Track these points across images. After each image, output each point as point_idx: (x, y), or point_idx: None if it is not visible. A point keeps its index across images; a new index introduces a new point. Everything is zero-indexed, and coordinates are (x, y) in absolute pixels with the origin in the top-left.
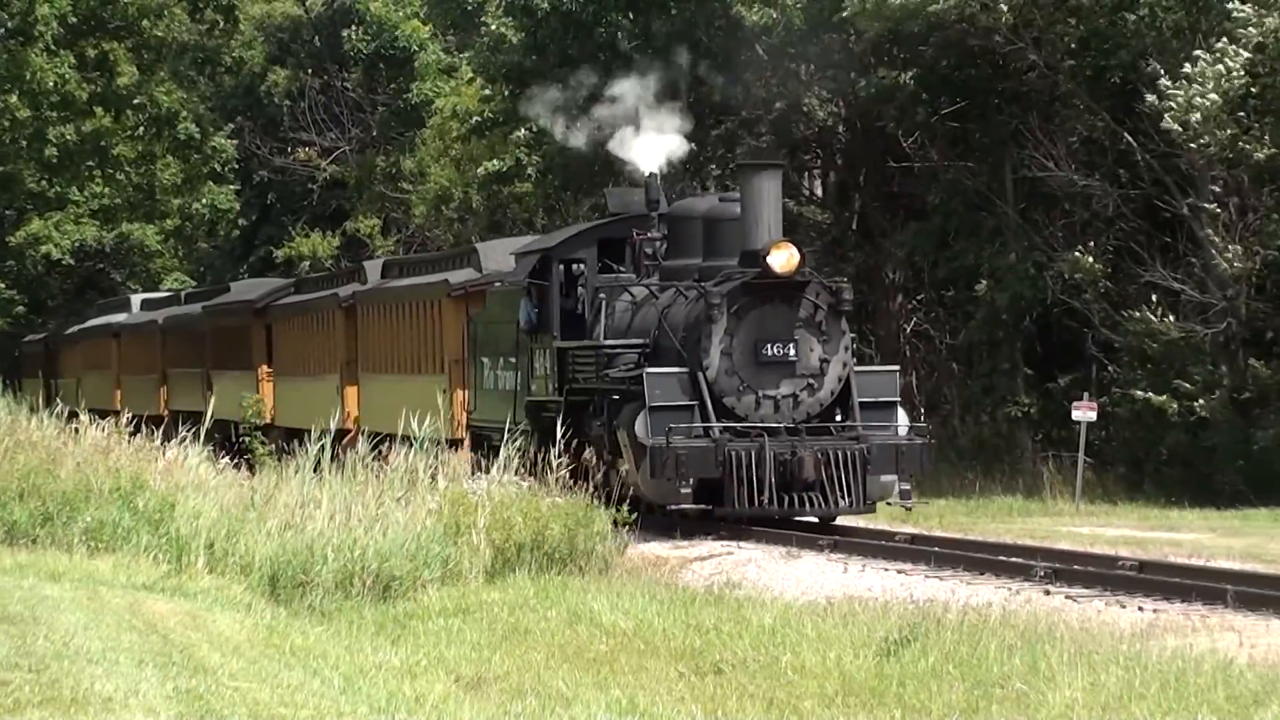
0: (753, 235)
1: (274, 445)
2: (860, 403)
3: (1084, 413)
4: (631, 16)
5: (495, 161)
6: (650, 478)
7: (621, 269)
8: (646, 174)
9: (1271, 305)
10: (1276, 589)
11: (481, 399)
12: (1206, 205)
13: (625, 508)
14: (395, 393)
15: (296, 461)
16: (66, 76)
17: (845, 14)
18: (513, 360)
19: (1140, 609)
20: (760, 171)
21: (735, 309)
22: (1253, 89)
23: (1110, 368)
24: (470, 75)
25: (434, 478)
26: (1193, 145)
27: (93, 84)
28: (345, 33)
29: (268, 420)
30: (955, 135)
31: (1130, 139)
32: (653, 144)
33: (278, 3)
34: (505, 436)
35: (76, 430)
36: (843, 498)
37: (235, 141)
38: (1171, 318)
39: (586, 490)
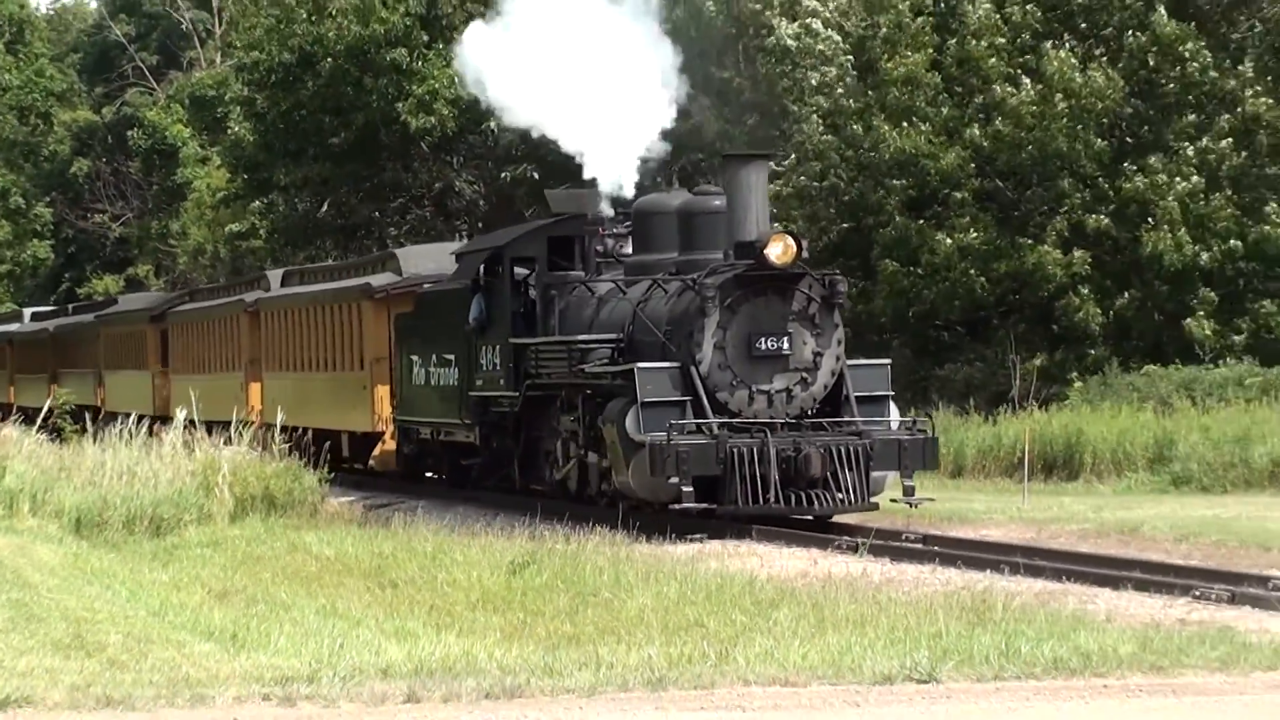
0: (743, 227)
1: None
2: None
3: None
4: (329, 120)
5: (236, 224)
6: (650, 475)
7: (569, 266)
8: (613, 181)
9: None
10: (786, 527)
11: (410, 395)
12: None
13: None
14: (306, 388)
15: (94, 437)
16: None
17: (491, 124)
18: (449, 358)
19: (690, 540)
20: (748, 162)
21: (728, 302)
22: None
23: None
24: (219, 163)
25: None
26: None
27: None
28: (130, 133)
29: (162, 412)
30: None
31: None
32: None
33: (81, 111)
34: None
35: None
36: (847, 494)
37: (50, 209)
38: None
39: (544, 483)
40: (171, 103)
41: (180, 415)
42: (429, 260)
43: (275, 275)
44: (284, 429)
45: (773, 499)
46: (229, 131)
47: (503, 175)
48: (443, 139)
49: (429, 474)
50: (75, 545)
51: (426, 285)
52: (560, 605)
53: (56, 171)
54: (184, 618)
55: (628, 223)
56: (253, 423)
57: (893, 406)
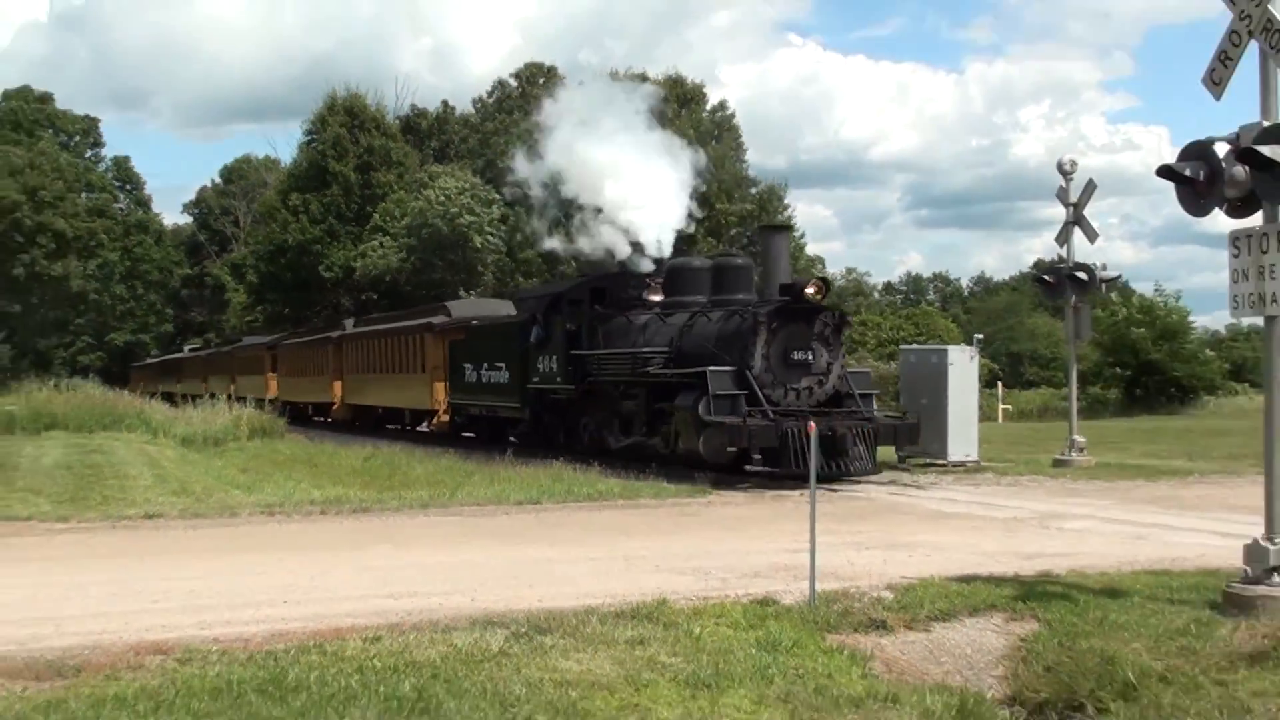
0: (774, 275)
1: (277, 409)
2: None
3: None
4: (289, 274)
5: (249, 317)
6: (719, 445)
7: (604, 305)
8: (653, 243)
9: None
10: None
11: (461, 388)
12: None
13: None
14: (378, 384)
15: (195, 403)
16: (115, 293)
17: (356, 275)
18: (500, 365)
19: (442, 449)
20: (777, 231)
21: (774, 325)
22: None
23: None
24: (242, 291)
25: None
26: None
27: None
28: (205, 278)
29: (274, 396)
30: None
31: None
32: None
33: (183, 270)
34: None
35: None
36: (862, 462)
37: (171, 311)
38: None
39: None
40: (223, 266)
41: (219, 398)
42: (465, 309)
43: (349, 323)
44: (356, 405)
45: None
46: (246, 278)
47: (362, 297)
48: (335, 282)
49: (466, 434)
50: (181, 450)
51: (475, 321)
52: (385, 473)
53: (173, 295)
54: (227, 479)
55: (654, 277)
56: (334, 403)
57: (874, 400)
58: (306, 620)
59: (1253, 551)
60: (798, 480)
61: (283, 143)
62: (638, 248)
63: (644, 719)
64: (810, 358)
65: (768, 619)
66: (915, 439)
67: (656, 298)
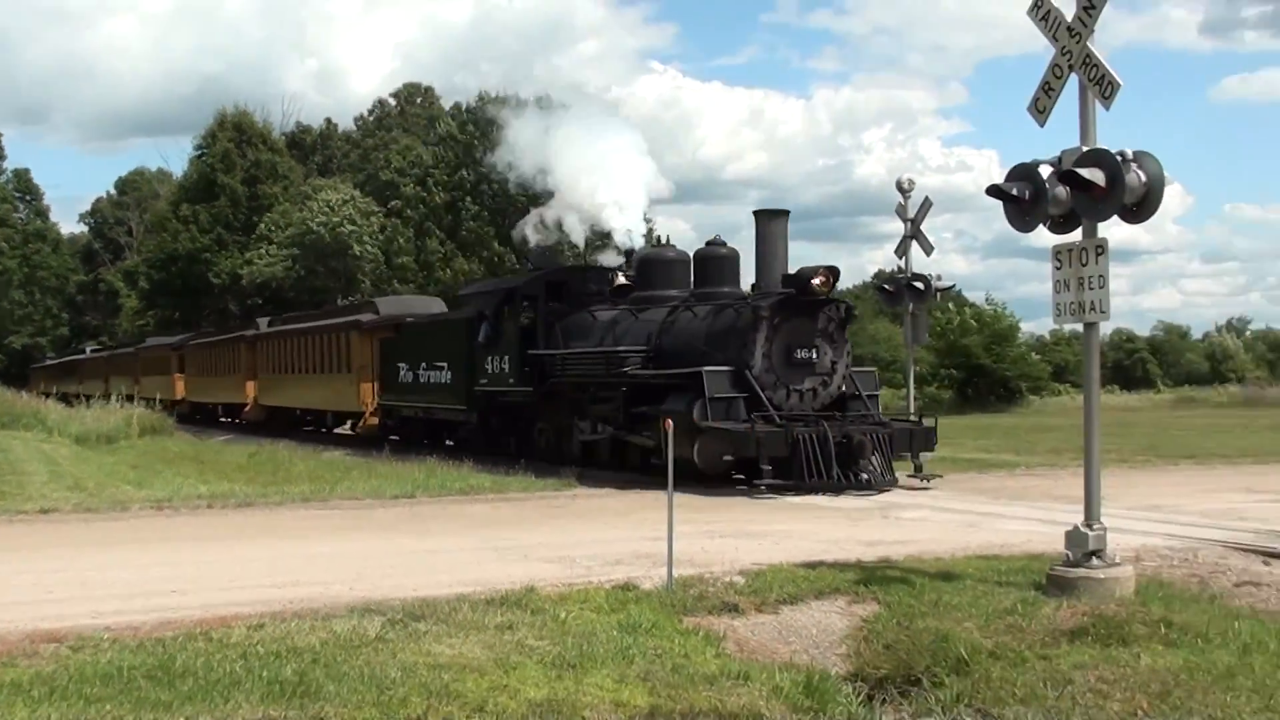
0: (771, 264)
1: (185, 409)
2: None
3: None
4: (180, 279)
5: (141, 321)
6: (726, 454)
7: (559, 302)
8: (624, 233)
9: None
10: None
11: (394, 389)
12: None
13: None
14: (297, 384)
15: (98, 402)
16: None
17: (243, 281)
18: (441, 364)
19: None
20: (775, 216)
21: (775, 320)
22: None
23: None
24: (135, 297)
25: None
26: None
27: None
28: (99, 284)
29: (181, 397)
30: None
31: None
32: (626, 213)
33: (78, 277)
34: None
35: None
36: (880, 473)
37: (67, 316)
38: None
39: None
40: (117, 273)
41: (112, 398)
42: (394, 306)
43: (263, 321)
44: (271, 406)
45: (837, 476)
46: (139, 284)
47: (248, 302)
48: (223, 288)
49: (393, 437)
50: (76, 447)
51: (409, 318)
52: (269, 469)
53: (68, 300)
54: (119, 475)
55: (621, 269)
56: (247, 405)
57: (879, 401)
58: (194, 609)
59: (1073, 537)
60: (816, 493)
61: (174, 156)
62: (603, 237)
63: (513, 699)
64: (814, 356)
65: (629, 603)
66: (931, 445)
67: (620, 281)
